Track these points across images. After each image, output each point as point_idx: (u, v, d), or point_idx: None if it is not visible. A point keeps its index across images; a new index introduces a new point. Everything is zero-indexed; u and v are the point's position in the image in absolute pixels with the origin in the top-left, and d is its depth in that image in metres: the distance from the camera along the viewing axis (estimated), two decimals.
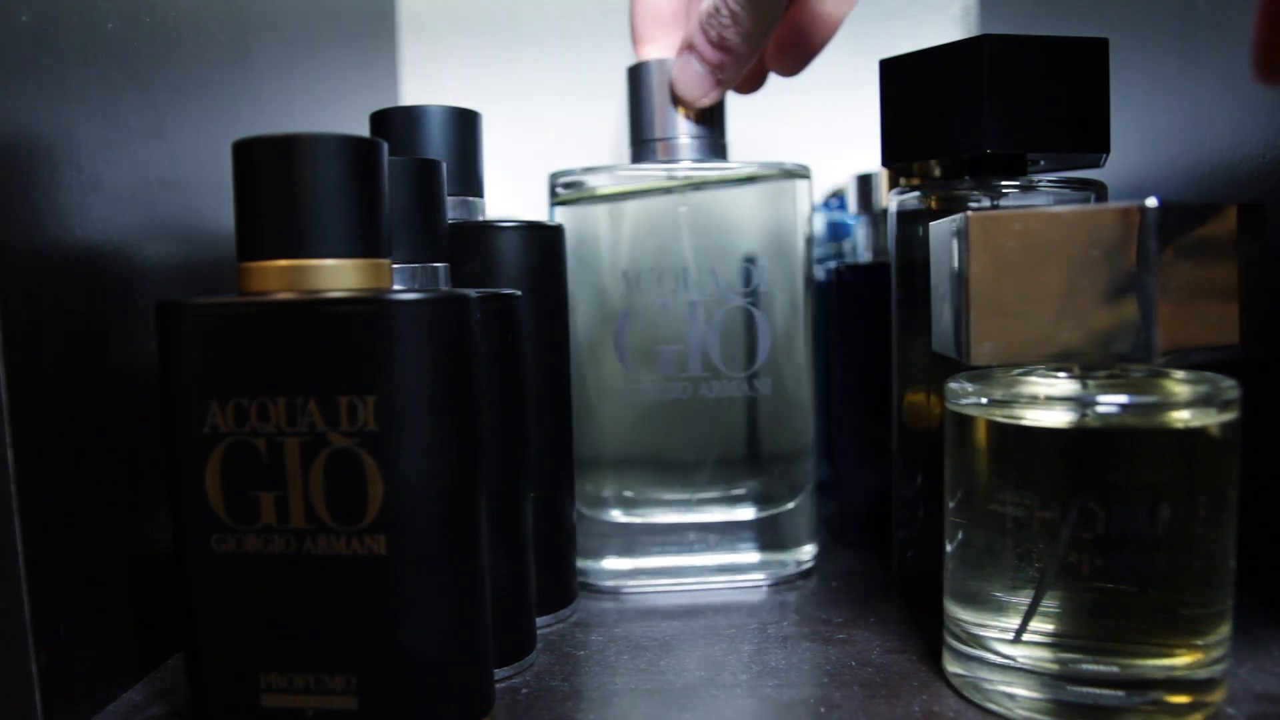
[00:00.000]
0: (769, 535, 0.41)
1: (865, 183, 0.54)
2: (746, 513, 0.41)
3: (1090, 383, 0.27)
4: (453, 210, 0.35)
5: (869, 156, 0.51)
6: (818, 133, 0.67)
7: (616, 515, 0.41)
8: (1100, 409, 0.26)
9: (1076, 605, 0.26)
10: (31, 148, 0.27)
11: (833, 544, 0.45)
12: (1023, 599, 0.27)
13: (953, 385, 0.29)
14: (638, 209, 0.40)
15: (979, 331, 0.26)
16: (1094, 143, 0.34)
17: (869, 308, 0.44)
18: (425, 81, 0.67)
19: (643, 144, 0.41)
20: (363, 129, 0.35)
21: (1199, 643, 0.26)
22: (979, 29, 0.65)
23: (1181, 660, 0.26)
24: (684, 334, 0.39)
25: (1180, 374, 0.28)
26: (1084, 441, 0.26)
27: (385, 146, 0.26)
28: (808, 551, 0.41)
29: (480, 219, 0.36)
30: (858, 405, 0.45)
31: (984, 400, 0.28)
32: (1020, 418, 0.27)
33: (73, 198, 0.29)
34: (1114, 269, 0.25)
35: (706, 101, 0.39)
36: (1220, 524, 0.26)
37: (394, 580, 0.25)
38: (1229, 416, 0.26)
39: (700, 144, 0.40)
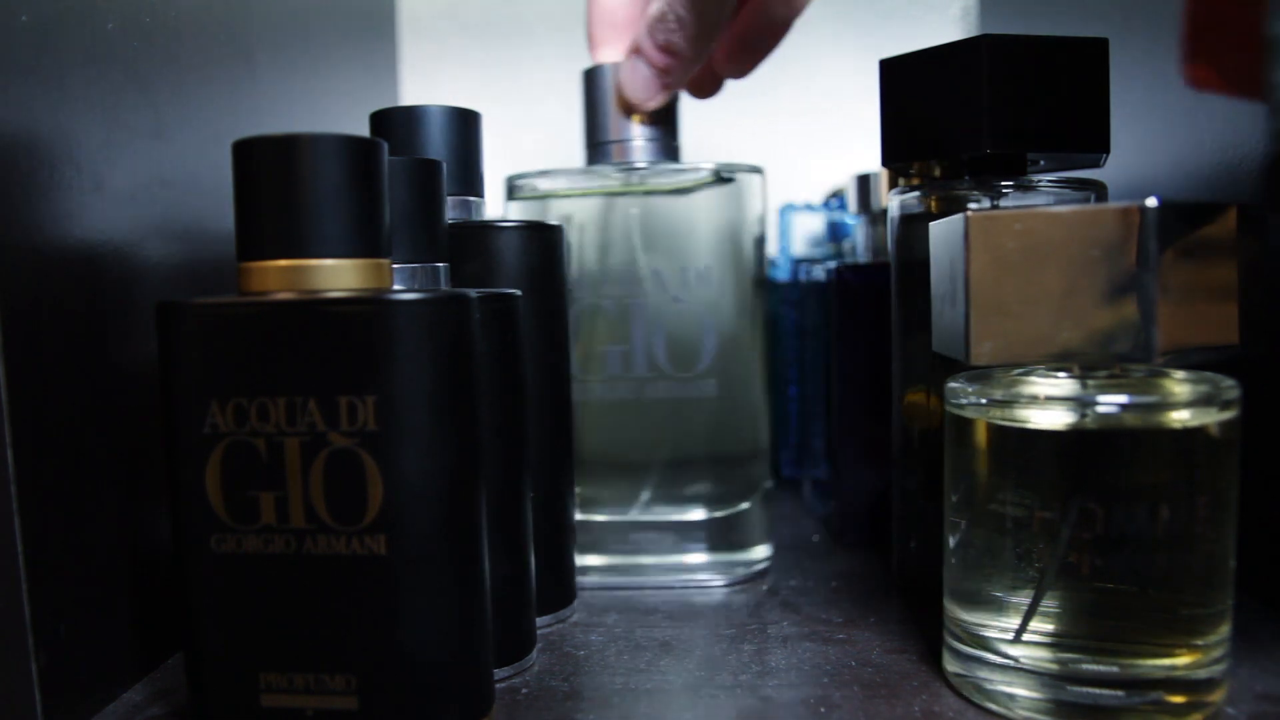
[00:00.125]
0: (720, 536, 0.41)
1: (865, 183, 0.53)
2: (697, 514, 0.41)
3: (1090, 383, 0.27)
4: (453, 210, 0.35)
5: (868, 156, 0.51)
6: (818, 133, 0.67)
7: None
8: (1100, 409, 0.26)
9: (1076, 605, 0.26)
10: (31, 148, 0.27)
11: (833, 544, 0.45)
12: (1023, 599, 0.27)
13: (953, 385, 0.29)
14: (586, 210, 0.40)
15: (979, 331, 0.26)
16: (1093, 143, 0.34)
17: (869, 308, 0.44)
18: (425, 81, 0.67)
19: (596, 146, 0.41)
20: (363, 129, 0.35)
21: (1199, 643, 0.26)
22: (979, 29, 0.65)
23: (1181, 660, 0.26)
24: (629, 334, 0.39)
25: (1180, 374, 0.28)
26: (1084, 441, 0.26)
27: (385, 146, 0.26)
28: (761, 552, 0.41)
29: (480, 219, 0.36)
30: (858, 405, 0.45)
31: (984, 400, 0.28)
32: (1020, 418, 0.27)
33: (73, 198, 0.29)
34: (1114, 269, 0.25)
35: (653, 105, 0.40)
36: (1220, 524, 0.26)
37: (394, 580, 0.25)
38: (1229, 416, 0.26)
39: (653, 146, 0.40)
